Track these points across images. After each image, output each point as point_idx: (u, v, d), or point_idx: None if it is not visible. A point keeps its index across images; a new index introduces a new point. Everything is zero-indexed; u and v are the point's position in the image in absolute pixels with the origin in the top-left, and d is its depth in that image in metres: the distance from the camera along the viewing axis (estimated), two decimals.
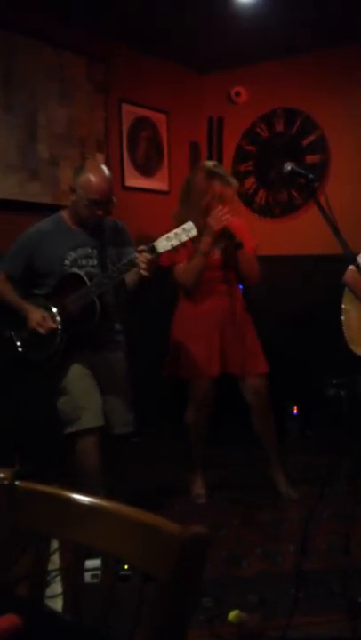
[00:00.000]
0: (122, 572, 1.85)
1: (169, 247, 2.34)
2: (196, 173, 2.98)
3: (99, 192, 2.45)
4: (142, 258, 2.30)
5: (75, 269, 2.50)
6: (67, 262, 2.51)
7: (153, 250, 2.33)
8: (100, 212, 2.50)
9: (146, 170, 4.23)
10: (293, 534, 2.66)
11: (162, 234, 2.35)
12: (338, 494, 2.95)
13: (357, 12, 3.56)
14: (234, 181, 2.95)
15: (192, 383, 3.01)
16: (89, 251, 2.55)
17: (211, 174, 2.89)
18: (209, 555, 2.52)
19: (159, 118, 4.30)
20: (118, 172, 4.00)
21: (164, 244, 2.33)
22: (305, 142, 4.30)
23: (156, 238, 2.34)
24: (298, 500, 3.01)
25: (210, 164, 3.04)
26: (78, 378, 2.53)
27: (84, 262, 2.53)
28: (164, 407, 3.87)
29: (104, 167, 2.55)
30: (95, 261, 2.55)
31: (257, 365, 2.99)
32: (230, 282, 3.01)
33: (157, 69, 4.29)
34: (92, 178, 2.45)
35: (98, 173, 2.47)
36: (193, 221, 2.86)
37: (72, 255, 2.52)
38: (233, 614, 2.04)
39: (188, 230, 2.34)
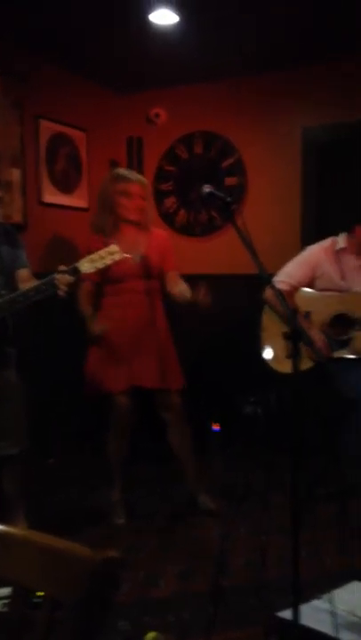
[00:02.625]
0: (35, 600, 1.78)
1: (92, 269, 2.33)
2: (105, 180, 3.05)
3: None
4: (63, 280, 2.26)
5: None
6: None
7: (75, 271, 2.30)
8: None
9: (65, 186, 4.19)
10: (211, 551, 2.67)
11: (81, 250, 2.34)
12: (255, 509, 3.00)
13: (273, 41, 3.71)
14: (137, 177, 2.97)
15: (111, 399, 2.98)
16: None
17: (115, 177, 2.97)
18: (126, 577, 2.50)
19: (78, 135, 4.28)
20: (35, 188, 3.94)
21: (87, 266, 2.32)
22: (223, 165, 4.41)
23: (75, 255, 2.31)
24: (217, 514, 3.03)
25: (116, 170, 3.10)
26: None
27: None
28: (81, 426, 3.81)
29: None
30: None
31: (172, 381, 2.99)
32: (152, 293, 2.98)
33: (76, 87, 4.29)
34: None
35: None
36: (103, 222, 2.89)
37: None
38: (150, 636, 2.02)
39: (113, 253, 2.34)
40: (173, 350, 3.05)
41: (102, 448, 3.07)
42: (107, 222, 2.93)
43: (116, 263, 2.44)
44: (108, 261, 2.34)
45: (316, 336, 2.95)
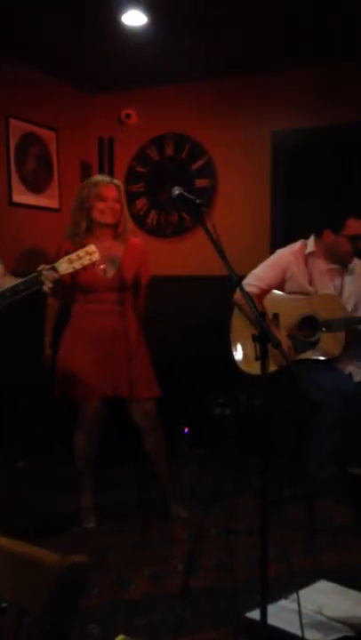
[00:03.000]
0: (3, 605, 1.77)
1: (70, 270, 2.36)
2: (81, 186, 3.03)
3: None
4: (49, 276, 2.30)
5: None
6: None
7: (54, 271, 2.32)
8: None
9: (35, 186, 4.16)
10: (182, 553, 2.68)
11: (52, 251, 2.35)
12: (225, 511, 3.02)
13: (244, 45, 3.74)
14: (113, 181, 2.96)
15: (81, 405, 2.96)
16: None
17: (91, 182, 2.96)
18: (96, 579, 2.49)
19: (48, 135, 4.25)
20: (5, 188, 3.90)
21: (65, 266, 2.34)
22: (194, 167, 4.43)
23: (45, 255, 2.32)
24: (188, 518, 3.04)
25: (97, 176, 3.08)
26: None
27: None
28: (53, 429, 3.79)
29: None
30: None
31: (146, 390, 2.97)
32: (125, 303, 2.97)
33: (47, 87, 4.26)
34: None
35: None
36: (77, 227, 2.89)
37: None
38: (119, 639, 2.01)
39: (91, 254, 2.36)
40: (147, 358, 3.02)
41: (72, 451, 3.05)
42: (80, 227, 2.89)
43: (89, 273, 2.45)
44: (86, 262, 2.36)
45: (283, 340, 2.98)
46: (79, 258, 2.34)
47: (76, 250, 2.58)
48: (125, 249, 2.96)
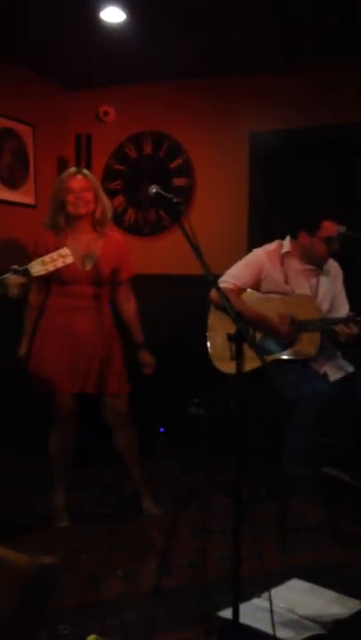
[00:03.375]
0: None
1: (43, 272, 2.35)
2: (59, 177, 3.00)
3: None
4: (14, 280, 2.28)
5: None
6: None
7: (26, 272, 2.30)
8: None
9: (10, 182, 4.11)
10: (155, 553, 2.68)
11: (29, 248, 2.33)
12: (199, 510, 3.02)
13: (224, 44, 3.74)
14: (81, 171, 2.92)
15: (54, 400, 2.94)
16: None
17: (61, 178, 2.94)
18: (68, 579, 2.47)
19: (25, 131, 4.21)
20: None
21: (38, 268, 2.33)
22: (172, 165, 4.42)
23: (20, 252, 2.30)
24: (161, 516, 3.03)
25: (70, 169, 3.04)
26: None
27: None
28: (25, 428, 3.75)
29: None
30: None
31: (116, 385, 2.96)
32: (100, 298, 2.96)
33: (24, 82, 4.21)
34: None
35: None
36: (55, 221, 2.87)
37: None
38: (91, 639, 2.00)
39: (65, 256, 2.36)
40: (120, 355, 3.01)
41: (46, 449, 3.02)
42: (59, 221, 2.90)
43: (67, 266, 2.44)
44: (59, 264, 2.37)
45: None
46: (53, 260, 2.34)
47: (57, 244, 2.56)
48: (104, 244, 2.95)
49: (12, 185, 4.13)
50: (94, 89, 4.56)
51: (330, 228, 3.02)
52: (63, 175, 2.95)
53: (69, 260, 2.38)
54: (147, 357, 3.07)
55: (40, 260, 2.35)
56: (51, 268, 2.35)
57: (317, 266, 3.14)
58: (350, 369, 3.09)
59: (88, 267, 2.88)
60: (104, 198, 2.96)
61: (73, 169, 2.99)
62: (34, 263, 2.34)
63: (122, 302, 3.07)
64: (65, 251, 2.38)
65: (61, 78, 4.44)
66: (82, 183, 2.87)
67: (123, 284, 3.05)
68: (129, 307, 3.08)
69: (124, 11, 3.32)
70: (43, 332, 2.95)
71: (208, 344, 3.19)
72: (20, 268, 2.32)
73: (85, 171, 2.96)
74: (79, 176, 2.89)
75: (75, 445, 3.02)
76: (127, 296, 3.08)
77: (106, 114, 4.54)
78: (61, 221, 2.89)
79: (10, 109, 4.06)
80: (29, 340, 2.98)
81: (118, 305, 3.07)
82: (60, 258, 2.35)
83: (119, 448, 3.04)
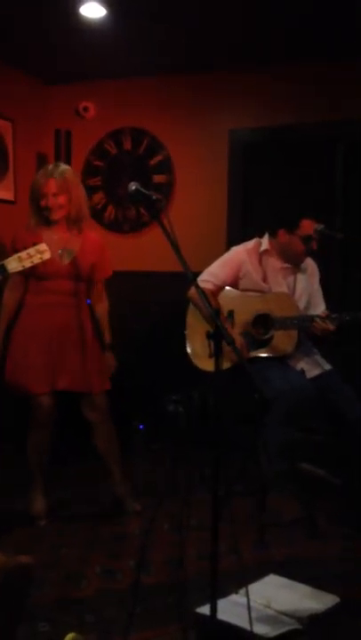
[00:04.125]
0: None
1: (20, 268, 2.33)
2: (36, 177, 2.93)
3: None
4: None
5: None
6: None
7: (2, 269, 2.28)
8: None
9: None
10: (134, 550, 2.68)
11: (7, 244, 2.31)
12: (177, 506, 3.03)
13: (202, 41, 3.75)
14: (53, 172, 2.84)
15: (32, 399, 2.92)
16: None
17: (35, 180, 2.89)
18: (47, 577, 2.46)
19: (4, 125, 4.17)
20: None
21: (14, 265, 2.31)
22: (152, 162, 4.42)
23: (0, 250, 2.28)
24: (140, 513, 3.04)
25: (48, 166, 2.96)
26: None
27: None
28: (2, 423, 3.72)
29: None
30: None
31: (96, 383, 2.95)
32: (79, 295, 2.94)
33: (3, 76, 4.17)
34: None
35: None
36: (34, 218, 2.85)
37: None
38: (69, 637, 2.00)
39: (42, 252, 2.34)
40: (99, 351, 3.01)
41: (24, 447, 3.01)
42: (36, 219, 2.89)
43: (44, 260, 2.42)
44: (36, 260, 2.35)
45: (236, 338, 3.01)
46: (29, 256, 2.32)
47: (35, 239, 2.54)
48: (82, 242, 2.93)
49: None
50: (74, 84, 4.54)
51: (308, 226, 3.04)
52: (38, 177, 2.90)
53: (47, 255, 2.36)
54: (110, 360, 3.05)
55: (17, 256, 2.33)
56: (27, 264, 2.33)
57: (295, 264, 3.16)
58: (327, 366, 3.13)
59: (66, 261, 2.86)
60: (80, 196, 2.91)
61: (47, 168, 2.90)
62: (10, 259, 2.32)
63: (95, 302, 3.05)
64: (42, 246, 2.36)
65: (41, 73, 4.41)
66: (54, 188, 2.82)
67: (98, 282, 3.04)
68: (101, 307, 3.07)
69: (104, 6, 3.30)
70: (20, 331, 2.91)
71: (187, 342, 3.20)
72: None
73: (61, 168, 2.89)
74: (51, 180, 2.82)
75: (52, 445, 3.01)
76: (100, 296, 3.07)
77: (85, 109, 4.52)
78: (37, 220, 2.89)
79: None
80: (2, 341, 2.93)
81: (92, 304, 3.05)
82: (38, 254, 2.34)
83: (99, 446, 3.03)
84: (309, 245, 3.07)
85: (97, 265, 2.97)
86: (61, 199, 2.84)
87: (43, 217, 2.87)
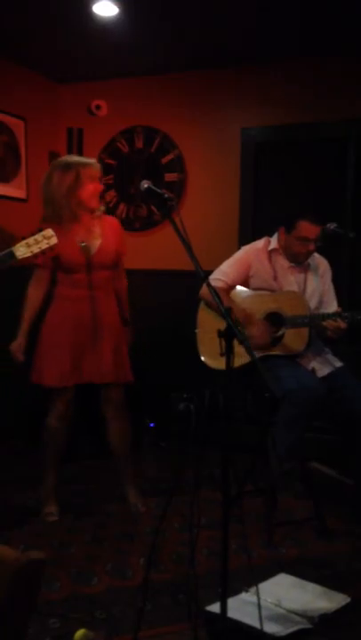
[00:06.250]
0: None
1: (29, 254, 2.32)
2: (51, 173, 2.85)
3: None
4: None
5: None
6: None
7: (11, 255, 2.28)
8: None
9: (1, 176, 4.09)
10: (144, 547, 2.69)
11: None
12: (187, 504, 3.03)
13: (214, 39, 3.74)
14: (94, 160, 2.90)
15: (58, 391, 2.92)
16: None
17: (73, 163, 2.83)
18: (57, 574, 2.48)
19: (17, 124, 4.19)
20: None
21: (23, 250, 2.30)
22: (164, 160, 4.42)
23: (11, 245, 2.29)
24: (147, 512, 3.04)
25: (61, 159, 2.94)
26: None
27: None
28: (13, 421, 3.75)
29: None
30: None
31: (122, 375, 2.96)
32: (107, 286, 2.94)
33: (16, 75, 4.19)
34: None
35: None
36: (59, 212, 2.81)
37: None
38: (79, 633, 2.01)
39: (49, 237, 2.33)
40: (126, 345, 3.04)
41: (36, 442, 3.02)
42: (64, 212, 2.80)
43: (71, 252, 2.39)
44: (44, 245, 2.32)
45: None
46: (37, 242, 2.30)
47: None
48: (103, 227, 2.93)
49: (4, 179, 4.11)
50: (86, 83, 4.54)
51: (306, 228, 3.00)
52: (76, 162, 2.82)
53: (54, 240, 2.34)
54: (128, 334, 3.11)
55: (24, 242, 2.30)
56: (35, 249, 2.30)
57: (297, 263, 3.14)
58: (338, 364, 3.11)
59: (93, 251, 2.87)
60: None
61: (72, 159, 2.87)
62: (18, 246, 2.29)
63: (116, 280, 3.05)
64: (48, 232, 2.33)
65: (53, 72, 4.42)
66: (100, 173, 2.88)
67: (121, 266, 3.08)
68: (120, 284, 3.09)
69: (116, 4, 3.30)
70: (52, 322, 2.89)
71: (197, 340, 3.20)
72: (4, 252, 2.28)
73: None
74: (98, 165, 2.87)
75: (68, 434, 3.01)
76: (120, 274, 3.09)
77: (98, 108, 4.53)
78: (68, 212, 2.81)
79: (1, 103, 4.04)
80: (26, 335, 2.89)
81: (113, 282, 3.04)
82: (45, 239, 2.31)
83: (112, 441, 3.03)
84: (306, 247, 3.03)
85: (120, 249, 2.99)
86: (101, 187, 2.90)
87: (74, 206, 2.81)
